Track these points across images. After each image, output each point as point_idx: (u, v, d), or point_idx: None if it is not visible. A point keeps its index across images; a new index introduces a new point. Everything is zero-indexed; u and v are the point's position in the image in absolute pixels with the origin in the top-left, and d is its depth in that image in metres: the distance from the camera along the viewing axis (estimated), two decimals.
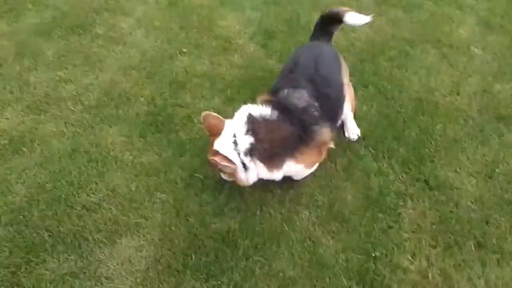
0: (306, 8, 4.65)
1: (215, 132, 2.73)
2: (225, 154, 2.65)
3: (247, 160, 2.66)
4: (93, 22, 4.43)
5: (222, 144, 2.68)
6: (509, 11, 4.78)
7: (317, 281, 2.66)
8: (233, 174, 2.78)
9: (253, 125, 2.66)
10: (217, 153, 2.67)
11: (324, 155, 2.99)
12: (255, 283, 2.65)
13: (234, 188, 3.03)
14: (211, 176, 3.12)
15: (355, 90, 3.67)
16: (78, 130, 3.44)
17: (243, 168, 2.70)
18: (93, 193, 3.07)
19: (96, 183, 3.11)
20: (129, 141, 3.39)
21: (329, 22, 3.38)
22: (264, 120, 2.69)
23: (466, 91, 3.83)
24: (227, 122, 2.76)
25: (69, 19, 4.45)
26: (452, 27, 4.54)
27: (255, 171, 2.74)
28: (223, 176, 2.94)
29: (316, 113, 2.78)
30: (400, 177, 3.19)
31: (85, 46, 4.17)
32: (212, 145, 2.73)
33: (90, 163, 3.23)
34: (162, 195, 3.04)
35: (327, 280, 2.66)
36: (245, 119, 2.69)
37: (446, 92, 3.82)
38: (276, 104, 2.77)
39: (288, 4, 4.71)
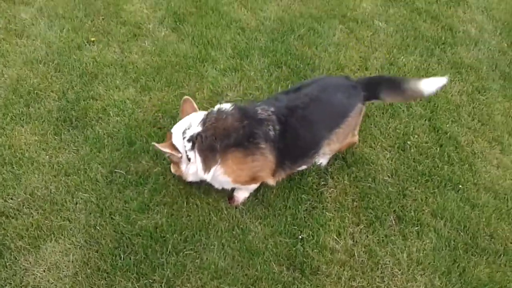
0: None
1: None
2: (174, 138, 2.67)
3: (188, 147, 2.63)
4: None
5: (176, 129, 2.71)
6: None
7: (248, 269, 2.76)
8: (175, 165, 2.81)
9: (208, 116, 2.68)
10: (170, 138, 2.71)
11: (257, 183, 2.91)
12: (187, 277, 2.71)
13: (158, 182, 3.06)
14: (134, 171, 3.12)
15: (269, 71, 3.79)
16: None
17: (186, 159, 2.68)
18: (11, 198, 2.96)
19: (13, 187, 3.01)
20: (44, 140, 3.28)
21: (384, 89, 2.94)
22: (218, 112, 2.70)
23: (373, 65, 4.06)
24: (194, 113, 2.78)
25: None
26: (356, 1, 4.74)
27: (195, 165, 2.70)
28: (172, 168, 2.93)
29: (271, 132, 2.68)
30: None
31: None
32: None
33: (5, 167, 3.11)
34: (84, 194, 3.00)
35: (258, 267, 2.76)
36: (204, 116, 2.71)
37: (355, 68, 4.02)
38: (239, 105, 2.78)
39: None
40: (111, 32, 4.11)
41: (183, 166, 2.74)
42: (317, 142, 2.88)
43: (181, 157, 2.69)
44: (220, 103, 2.79)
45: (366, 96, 2.89)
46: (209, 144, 2.63)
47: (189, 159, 2.68)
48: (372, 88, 2.89)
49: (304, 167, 3.10)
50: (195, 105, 2.85)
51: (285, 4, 4.58)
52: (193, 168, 2.72)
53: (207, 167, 2.69)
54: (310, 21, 4.41)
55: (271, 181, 2.91)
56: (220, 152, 2.65)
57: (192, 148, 2.64)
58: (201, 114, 2.73)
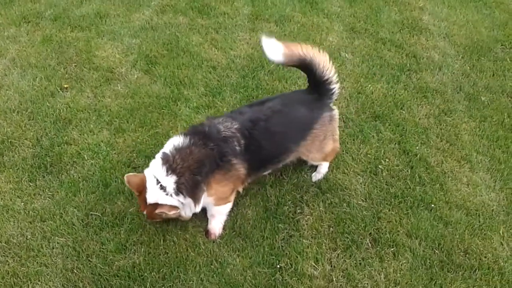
0: (183, 31, 4.77)
1: (142, 189, 2.71)
2: (163, 202, 2.66)
3: (181, 198, 2.68)
4: None
5: (154, 195, 2.67)
6: (370, 15, 5.27)
7: None
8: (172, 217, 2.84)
9: (169, 162, 2.68)
10: (157, 205, 2.68)
11: (235, 190, 3.02)
12: None
13: (134, 222, 3.07)
14: (110, 212, 3.13)
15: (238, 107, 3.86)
16: None
17: (182, 206, 2.74)
18: None
19: None
20: (19, 187, 3.29)
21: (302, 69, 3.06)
22: (177, 150, 2.71)
23: (342, 94, 4.16)
24: (146, 171, 2.75)
25: None
26: (322, 35, 4.90)
27: (189, 206, 2.77)
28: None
29: (237, 147, 2.78)
30: (294, 185, 3.40)
31: None
32: (144, 201, 2.72)
33: None
34: (61, 239, 3.00)
35: None
36: (160, 161, 2.70)
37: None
38: (190, 130, 2.85)
39: (166, 28, 4.80)
40: (84, 78, 4.18)
41: (183, 213, 2.81)
42: (280, 152, 3.05)
43: (179, 210, 2.75)
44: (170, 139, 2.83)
45: (329, 100, 3.05)
46: (194, 181, 2.68)
47: (183, 204, 2.75)
48: (325, 88, 3.00)
49: (268, 171, 3.26)
50: (135, 173, 2.84)
51: (254, 42, 4.71)
52: (188, 209, 2.81)
53: (197, 201, 2.77)
54: None
55: (241, 189, 3.08)
56: (203, 181, 2.73)
57: (184, 195, 2.68)
58: (156, 165, 2.71)
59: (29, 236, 3.01)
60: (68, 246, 2.96)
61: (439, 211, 3.28)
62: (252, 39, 4.75)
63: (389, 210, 3.27)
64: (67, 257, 2.91)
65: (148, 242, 3.00)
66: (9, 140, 3.59)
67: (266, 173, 3.27)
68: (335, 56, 4.60)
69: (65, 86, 4.08)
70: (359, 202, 3.32)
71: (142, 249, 2.96)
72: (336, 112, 3.13)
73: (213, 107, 3.94)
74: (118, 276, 2.83)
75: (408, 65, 4.56)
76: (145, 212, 2.78)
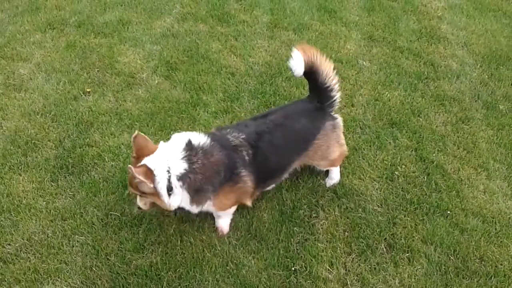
0: (203, 38, 4.85)
1: (144, 153, 2.64)
2: (153, 170, 2.55)
3: (178, 184, 2.62)
4: None
5: (153, 162, 2.59)
6: (389, 23, 5.29)
7: None
8: (151, 196, 2.70)
9: (191, 152, 2.67)
10: (144, 166, 2.56)
11: (244, 201, 3.00)
12: None
13: (152, 222, 3.14)
14: (128, 212, 3.20)
15: (258, 112, 3.92)
16: None
17: (166, 192, 2.63)
18: (9, 244, 3.04)
19: (11, 234, 3.09)
20: (41, 187, 3.38)
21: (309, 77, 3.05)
22: (201, 148, 2.71)
23: (359, 101, 4.20)
24: (162, 143, 2.73)
25: None
26: (340, 43, 4.94)
27: (179, 197, 2.70)
28: (140, 203, 2.87)
29: (246, 157, 2.81)
30: (310, 189, 3.43)
31: None
32: (137, 162, 2.62)
33: (3, 214, 3.20)
34: (81, 237, 3.08)
35: None
36: (183, 145, 2.69)
37: (341, 105, 4.13)
38: (212, 134, 2.87)
39: (186, 36, 4.89)
40: (106, 83, 4.29)
41: (165, 199, 2.64)
42: (284, 165, 3.10)
43: (153, 188, 2.58)
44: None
45: (331, 109, 3.09)
46: (200, 187, 2.68)
47: (170, 192, 2.64)
48: (326, 96, 3.04)
49: (273, 186, 3.28)
50: (146, 137, 2.74)
51: (272, 50, 4.77)
52: (177, 200, 2.69)
53: (197, 203, 2.78)
54: None
55: (249, 202, 3.03)
56: (213, 192, 2.74)
57: (182, 185, 2.64)
58: (176, 145, 2.69)
59: (50, 234, 3.10)
60: (88, 245, 3.04)
61: (455, 218, 3.28)
62: (270, 47, 4.81)
63: (404, 216, 3.29)
64: (87, 255, 2.99)
65: (165, 242, 3.06)
66: (33, 141, 3.69)
67: (270, 187, 3.28)
68: (352, 64, 4.64)
69: (88, 90, 4.18)
70: (375, 208, 3.33)
71: (160, 249, 3.02)
72: (339, 120, 3.17)
73: (231, 112, 4.00)
74: (135, 275, 2.89)
75: (425, 73, 4.57)
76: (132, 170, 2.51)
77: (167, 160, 2.61)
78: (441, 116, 4.10)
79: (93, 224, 3.15)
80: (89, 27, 4.97)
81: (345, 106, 4.14)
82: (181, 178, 2.63)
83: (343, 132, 3.30)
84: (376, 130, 3.91)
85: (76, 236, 3.09)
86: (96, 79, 4.33)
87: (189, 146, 2.70)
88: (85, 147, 3.67)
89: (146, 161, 2.60)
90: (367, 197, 3.40)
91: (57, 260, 2.97)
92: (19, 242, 3.05)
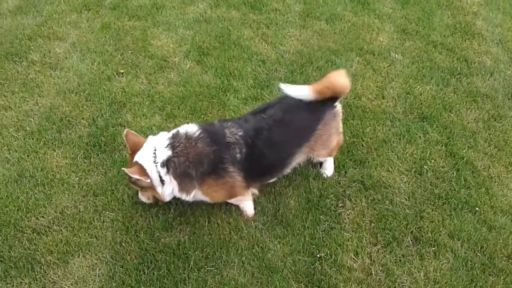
0: (235, 25, 4.87)
1: (136, 148, 2.80)
2: (143, 164, 2.70)
3: (163, 172, 2.72)
4: (27, 49, 4.45)
5: (141, 156, 2.74)
6: (423, 17, 5.23)
7: (267, 286, 2.85)
8: (150, 189, 2.86)
9: (175, 140, 2.77)
10: (136, 164, 2.74)
11: (238, 195, 3.01)
12: None
13: (181, 203, 3.17)
14: None
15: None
16: (22, 156, 3.49)
17: (160, 182, 2.75)
18: (42, 216, 3.13)
19: (45, 206, 3.18)
20: (74, 163, 3.46)
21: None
22: (186, 136, 2.80)
23: (390, 94, 4.18)
24: (150, 137, 2.86)
25: (3, 47, 4.46)
26: (373, 35, 4.90)
27: (171, 186, 2.80)
28: (142, 198, 3.05)
29: (238, 155, 2.82)
30: (337, 180, 3.44)
31: (22, 73, 4.20)
32: (131, 161, 2.81)
33: (37, 187, 3.29)
34: (111, 213, 3.15)
35: (277, 284, 2.85)
36: (170, 134, 2.82)
37: (372, 97, 4.14)
38: (209, 126, 2.91)
39: (218, 22, 4.91)
40: (139, 65, 4.35)
41: (159, 189, 2.79)
42: (283, 160, 3.07)
43: (150, 182, 2.74)
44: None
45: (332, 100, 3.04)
46: (184, 171, 2.75)
47: (162, 182, 2.77)
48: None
49: (274, 179, 3.28)
50: (135, 133, 2.93)
51: (304, 39, 4.77)
52: (169, 189, 2.81)
53: (185, 191, 2.84)
54: (328, 54, 4.58)
55: (246, 195, 3.06)
56: (197, 179, 2.79)
57: (167, 172, 2.74)
58: (163, 137, 2.82)
59: (82, 209, 3.18)
60: (118, 221, 3.11)
61: (483, 215, 3.26)
62: (302, 36, 4.80)
63: (432, 210, 3.28)
64: (117, 231, 3.06)
65: (193, 223, 3.12)
66: (67, 119, 3.78)
67: (272, 180, 3.26)
68: (384, 56, 4.61)
69: (121, 71, 4.25)
70: (402, 201, 3.33)
71: (188, 229, 3.08)
72: (339, 107, 3.13)
73: (260, 99, 4.02)
74: (163, 252, 2.95)
75: (458, 68, 4.52)
76: (126, 171, 2.72)
77: (153, 152, 2.73)
78: (473, 112, 4.06)
79: (124, 202, 3.21)
80: (124, 10, 5.02)
81: (375, 98, 4.13)
82: (165, 164, 2.72)
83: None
84: (406, 124, 3.89)
85: (107, 212, 3.16)
86: (129, 61, 4.39)
87: (175, 135, 2.80)
88: (118, 126, 3.73)
89: (136, 157, 2.75)
90: (395, 190, 3.39)
91: (88, 234, 3.05)
92: (52, 215, 3.14)
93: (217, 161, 2.78)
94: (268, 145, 2.89)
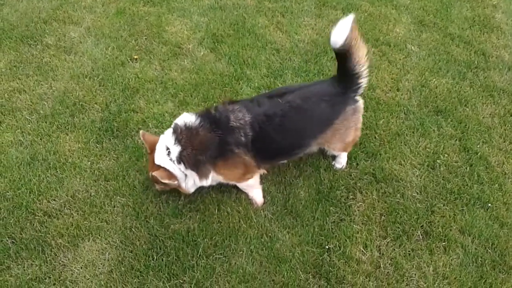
0: (250, 13, 4.83)
1: (154, 148, 2.87)
2: (167, 167, 2.80)
3: (182, 167, 2.79)
4: (42, 33, 4.46)
5: (160, 158, 2.81)
6: (441, 9, 5.14)
7: (275, 275, 2.85)
8: (175, 187, 2.96)
9: (177, 134, 2.80)
10: (159, 167, 2.82)
11: (250, 175, 3.01)
12: (216, 280, 2.82)
13: None
14: None
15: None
16: (35, 139, 3.51)
17: (184, 178, 2.86)
18: (54, 199, 3.16)
19: (56, 190, 3.21)
20: (86, 148, 3.48)
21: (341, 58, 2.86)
22: (186, 127, 2.80)
23: (405, 86, 4.13)
24: (161, 136, 2.89)
25: (18, 30, 4.47)
26: (389, 26, 4.84)
27: (192, 178, 2.88)
28: (157, 187, 3.07)
29: (243, 138, 2.80)
30: (348, 172, 3.42)
31: (37, 56, 4.21)
32: (152, 161, 2.86)
33: (49, 170, 3.32)
34: (122, 198, 3.17)
35: (285, 274, 2.85)
36: (171, 130, 2.84)
37: (387, 89, 4.10)
38: (203, 112, 2.89)
39: (233, 9, 4.88)
40: (153, 51, 4.34)
41: (184, 185, 2.90)
42: (295, 146, 3.05)
43: (177, 182, 2.87)
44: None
45: (354, 93, 2.94)
46: (196, 159, 2.79)
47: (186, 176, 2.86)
48: (349, 81, 2.90)
49: (285, 161, 3.33)
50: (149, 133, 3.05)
51: (319, 28, 4.72)
52: (191, 182, 2.91)
53: (204, 176, 2.88)
54: None
55: (258, 173, 3.08)
56: (209, 163, 2.83)
57: (185, 167, 2.79)
58: (168, 134, 2.86)
59: (93, 193, 3.20)
60: (128, 206, 3.13)
61: (496, 211, 3.22)
62: (317, 25, 4.76)
63: (443, 205, 3.25)
64: (127, 216, 3.08)
65: (203, 210, 3.13)
66: (80, 103, 3.79)
67: (283, 161, 3.30)
68: (400, 48, 4.55)
69: (135, 57, 4.25)
70: (414, 194, 3.30)
71: (197, 216, 3.09)
72: (360, 103, 3.03)
73: (273, 88, 3.99)
74: (173, 239, 2.97)
75: (476, 62, 4.44)
76: (150, 174, 2.86)
77: (167, 151, 2.80)
78: (489, 107, 4.00)
79: (135, 187, 3.23)
80: None
81: (390, 90, 4.08)
82: (180, 160, 2.78)
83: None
84: (420, 117, 3.84)
85: (118, 197, 3.18)
86: (143, 46, 4.38)
87: (175, 128, 2.84)
88: (130, 112, 3.74)
89: (158, 161, 2.83)
90: (407, 183, 3.37)
91: (99, 218, 3.07)
92: (63, 199, 3.16)
93: (223, 143, 2.78)
94: (279, 131, 2.85)
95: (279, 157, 3.16)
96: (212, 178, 2.93)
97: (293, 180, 3.34)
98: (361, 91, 2.97)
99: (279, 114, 2.83)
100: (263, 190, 3.22)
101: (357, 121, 3.10)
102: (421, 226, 3.13)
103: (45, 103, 3.79)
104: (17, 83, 3.95)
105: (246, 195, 3.21)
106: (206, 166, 2.84)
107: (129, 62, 4.21)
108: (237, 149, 2.80)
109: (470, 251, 3.00)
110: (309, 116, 2.91)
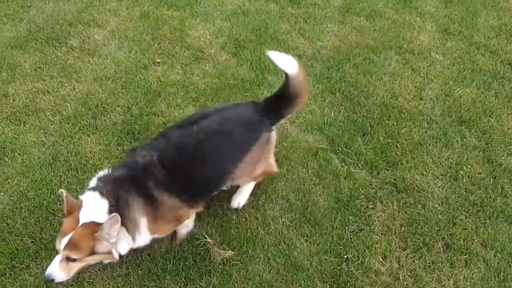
0: (273, 18, 4.84)
1: (75, 209, 2.48)
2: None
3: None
4: (67, 35, 4.52)
5: (91, 215, 2.45)
6: (466, 17, 5.08)
7: (292, 284, 2.83)
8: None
9: (100, 190, 2.51)
10: (98, 224, 2.40)
11: (185, 217, 2.85)
12: (232, 286, 2.81)
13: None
14: None
15: (322, 97, 3.89)
16: (58, 140, 3.55)
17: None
18: None
19: (77, 191, 3.21)
20: (107, 150, 3.51)
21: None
22: (105, 178, 2.60)
23: (428, 95, 4.09)
24: (84, 197, 2.54)
25: (44, 32, 4.54)
26: (413, 34, 4.80)
27: (124, 241, 2.58)
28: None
29: (159, 174, 2.58)
30: (369, 181, 3.39)
31: (61, 58, 4.27)
32: (76, 221, 2.44)
33: (70, 171, 3.35)
34: None
35: (302, 283, 2.83)
36: (92, 190, 2.54)
37: (410, 97, 4.06)
38: (114, 168, 2.69)
39: (256, 14, 4.89)
40: (175, 55, 4.37)
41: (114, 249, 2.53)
42: (217, 176, 2.86)
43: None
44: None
45: (272, 122, 2.90)
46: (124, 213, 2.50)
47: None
48: (274, 110, 2.88)
49: (215, 193, 3.05)
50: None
51: (342, 35, 4.70)
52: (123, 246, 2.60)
53: (137, 233, 2.62)
54: (366, 51, 4.51)
55: (191, 214, 2.91)
56: (138, 217, 2.58)
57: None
58: (90, 191, 2.53)
59: None
60: None
61: None
62: (340, 32, 4.74)
63: (465, 217, 3.19)
64: None
65: (221, 216, 3.12)
66: (103, 105, 3.83)
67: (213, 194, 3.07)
68: (425, 56, 4.51)
69: (158, 60, 4.28)
70: (435, 206, 3.25)
71: (216, 221, 3.09)
72: (274, 134, 2.97)
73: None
74: (190, 243, 2.97)
75: (501, 72, 4.37)
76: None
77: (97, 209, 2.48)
78: None
79: None
80: None
81: (413, 99, 4.04)
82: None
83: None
84: (443, 127, 3.79)
85: None
86: (166, 50, 4.41)
87: (97, 187, 2.54)
88: (152, 115, 3.77)
89: (83, 218, 2.44)
90: (428, 194, 3.32)
91: None
92: None
93: (145, 194, 2.56)
94: (195, 162, 2.68)
95: (206, 191, 2.93)
96: (144, 238, 2.67)
97: (312, 188, 3.31)
98: (281, 122, 3.03)
99: (192, 144, 2.67)
100: (280, 198, 3.22)
101: (269, 153, 3.03)
102: (442, 238, 3.07)
103: (68, 104, 3.84)
104: (41, 84, 4.00)
105: (263, 201, 3.19)
106: (137, 221, 2.57)
107: (151, 65, 4.24)
108: (157, 193, 2.58)
109: (492, 265, 2.93)
110: (228, 142, 2.79)
